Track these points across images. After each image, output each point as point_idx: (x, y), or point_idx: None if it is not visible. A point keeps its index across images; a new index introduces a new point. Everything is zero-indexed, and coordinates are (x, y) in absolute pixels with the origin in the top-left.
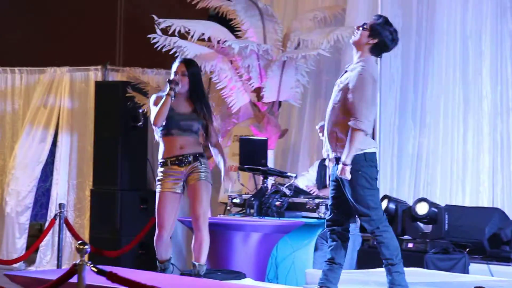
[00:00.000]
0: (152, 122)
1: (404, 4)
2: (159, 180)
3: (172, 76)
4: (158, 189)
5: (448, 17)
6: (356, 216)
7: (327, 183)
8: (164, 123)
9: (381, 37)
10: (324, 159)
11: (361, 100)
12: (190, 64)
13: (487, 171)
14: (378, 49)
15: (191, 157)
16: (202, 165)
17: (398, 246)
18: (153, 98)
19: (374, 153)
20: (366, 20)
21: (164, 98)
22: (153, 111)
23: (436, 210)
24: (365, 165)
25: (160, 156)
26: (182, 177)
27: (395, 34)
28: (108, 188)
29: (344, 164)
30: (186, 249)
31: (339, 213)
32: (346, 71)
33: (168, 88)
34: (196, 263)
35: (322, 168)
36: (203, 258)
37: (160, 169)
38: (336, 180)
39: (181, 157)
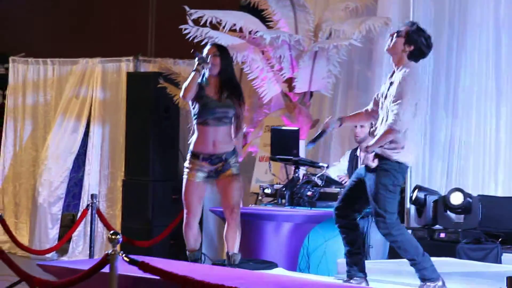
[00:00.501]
0: (181, 96)
1: None
2: (187, 168)
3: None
4: (185, 176)
5: (481, 8)
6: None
7: None
8: (198, 110)
9: (417, 43)
10: (355, 149)
11: (401, 104)
12: (221, 47)
13: None
14: (415, 56)
15: (223, 156)
16: (234, 161)
17: (417, 243)
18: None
19: (407, 167)
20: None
21: (193, 73)
22: (183, 86)
23: (470, 200)
24: (397, 170)
25: (192, 145)
26: (212, 171)
27: (429, 40)
28: (140, 178)
29: (367, 151)
30: (218, 239)
31: (348, 206)
32: (391, 82)
33: (196, 64)
34: (230, 252)
35: (353, 158)
36: (237, 247)
37: (191, 159)
38: (361, 174)
39: (213, 157)
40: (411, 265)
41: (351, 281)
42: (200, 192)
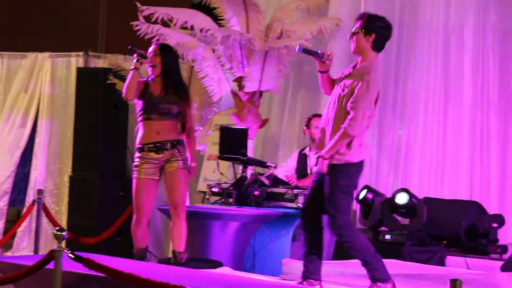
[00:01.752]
0: (123, 95)
1: None
2: (135, 166)
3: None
4: (134, 175)
5: (431, 10)
6: None
7: (308, 172)
8: (142, 107)
9: (376, 29)
10: (303, 149)
11: (359, 108)
12: (163, 46)
13: (465, 164)
14: (378, 43)
15: (169, 144)
16: (180, 153)
17: (369, 244)
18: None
19: (362, 165)
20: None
21: (131, 71)
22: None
23: (416, 201)
24: (352, 170)
25: (137, 141)
26: (159, 164)
27: (385, 20)
28: (87, 174)
29: (323, 158)
30: (165, 237)
31: (312, 206)
32: (350, 73)
33: (134, 60)
34: (176, 251)
35: (301, 158)
36: (183, 245)
37: (137, 154)
38: (321, 174)
39: (158, 144)
40: (363, 265)
41: (304, 282)
42: (150, 190)
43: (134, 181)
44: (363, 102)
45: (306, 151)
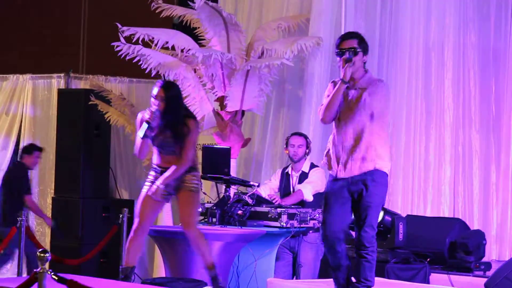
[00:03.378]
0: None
1: (368, 15)
2: (149, 181)
3: (151, 101)
4: (145, 188)
5: (411, 28)
6: (320, 225)
7: (291, 191)
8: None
9: (367, 48)
10: (286, 167)
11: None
12: (167, 88)
13: (448, 182)
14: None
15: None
16: (193, 177)
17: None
18: (139, 117)
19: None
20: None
21: (140, 140)
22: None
23: (390, 219)
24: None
25: (155, 161)
26: (171, 187)
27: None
28: (70, 196)
29: None
30: (149, 259)
31: None
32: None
33: (144, 129)
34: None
35: (284, 176)
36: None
37: (152, 173)
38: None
39: (163, 169)
40: (364, 286)
41: None
42: (151, 204)
43: (142, 191)
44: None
45: (289, 170)
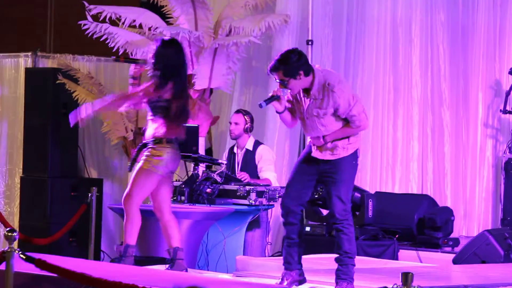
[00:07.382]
0: None
1: None
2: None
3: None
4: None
5: (379, 5)
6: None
7: (236, 168)
8: None
9: (298, 66)
10: (233, 146)
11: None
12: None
13: (416, 159)
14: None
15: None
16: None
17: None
18: None
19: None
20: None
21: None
22: None
23: (359, 195)
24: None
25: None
26: None
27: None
28: (38, 175)
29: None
30: (117, 236)
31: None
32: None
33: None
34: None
35: (230, 154)
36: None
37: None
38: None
39: None
40: (344, 257)
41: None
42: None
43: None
44: None
45: (235, 148)
